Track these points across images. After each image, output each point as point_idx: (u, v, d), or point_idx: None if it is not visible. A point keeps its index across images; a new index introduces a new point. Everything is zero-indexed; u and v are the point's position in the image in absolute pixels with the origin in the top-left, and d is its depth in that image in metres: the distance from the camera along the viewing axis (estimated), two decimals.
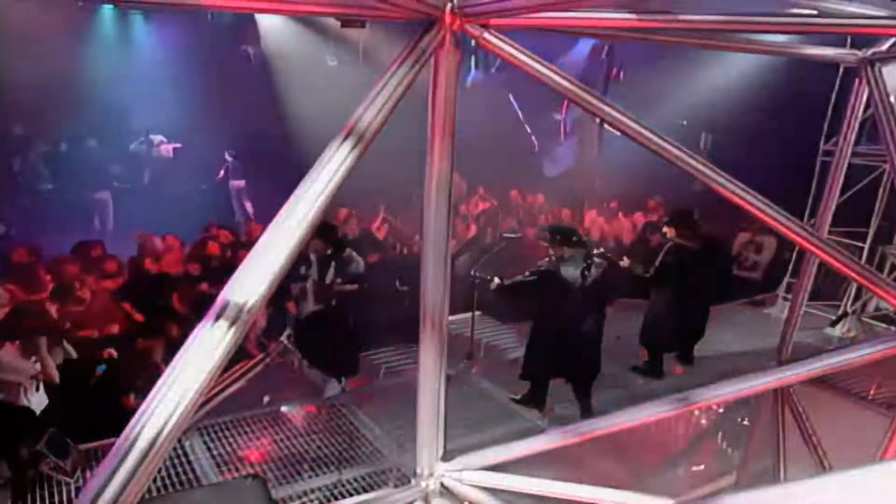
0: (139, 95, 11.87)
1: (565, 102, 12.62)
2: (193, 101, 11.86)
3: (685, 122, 12.62)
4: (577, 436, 2.66)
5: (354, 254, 7.34)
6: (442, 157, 2.22)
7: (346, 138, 1.78)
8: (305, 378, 7.71)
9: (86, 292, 6.97)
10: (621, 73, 12.83)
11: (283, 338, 8.35)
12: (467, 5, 1.91)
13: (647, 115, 11.43)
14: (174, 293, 7.64)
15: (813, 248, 2.33)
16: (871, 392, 4.44)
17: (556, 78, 2.08)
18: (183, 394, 1.23)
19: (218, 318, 1.33)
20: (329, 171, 1.65)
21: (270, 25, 12.18)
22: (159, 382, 1.26)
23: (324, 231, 6.87)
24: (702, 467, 4.59)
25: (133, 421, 1.23)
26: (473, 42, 2.13)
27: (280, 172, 11.39)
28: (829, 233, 9.09)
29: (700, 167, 2.10)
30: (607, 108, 2.17)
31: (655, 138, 2.17)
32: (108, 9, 11.36)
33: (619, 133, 2.29)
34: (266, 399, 7.03)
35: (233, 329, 1.33)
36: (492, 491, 2.60)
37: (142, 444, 1.19)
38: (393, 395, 7.08)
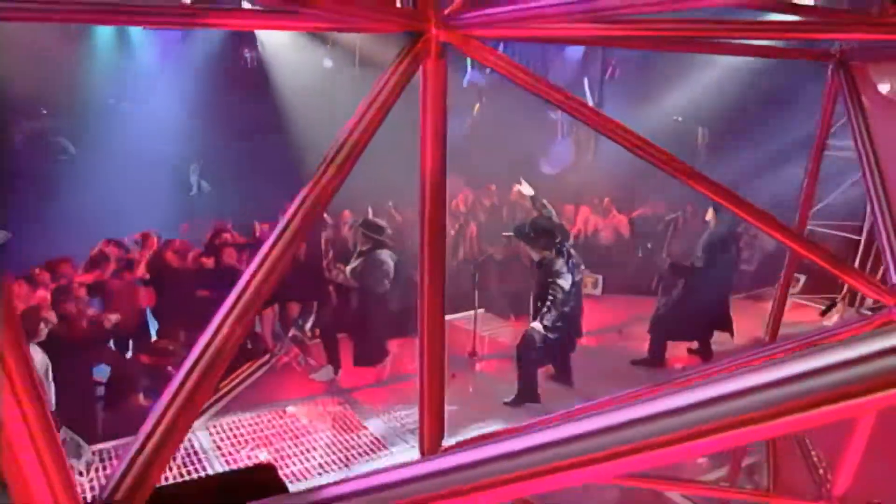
0: (136, 101, 12.00)
1: None
2: (191, 104, 12.00)
3: (680, 119, 12.68)
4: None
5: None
6: (434, 160, 2.32)
7: (343, 144, 1.89)
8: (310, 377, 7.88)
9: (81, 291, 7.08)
10: (616, 71, 12.92)
11: (288, 338, 8.54)
12: (451, 18, 2.02)
13: (642, 112, 11.60)
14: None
15: (789, 242, 2.43)
16: None
17: (538, 84, 2.18)
18: (200, 382, 1.34)
19: (230, 311, 1.45)
20: (329, 175, 1.76)
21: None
22: (178, 373, 1.38)
23: None
24: (696, 461, 4.70)
25: (152, 413, 1.35)
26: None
27: (279, 172, 11.58)
28: (826, 226, 9.24)
29: (679, 168, 2.21)
30: (590, 113, 2.27)
31: (637, 140, 2.27)
32: None
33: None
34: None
35: (243, 321, 1.44)
36: None
37: (161, 432, 1.31)
38: (396, 391, 7.24)
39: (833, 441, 2.72)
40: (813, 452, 3.25)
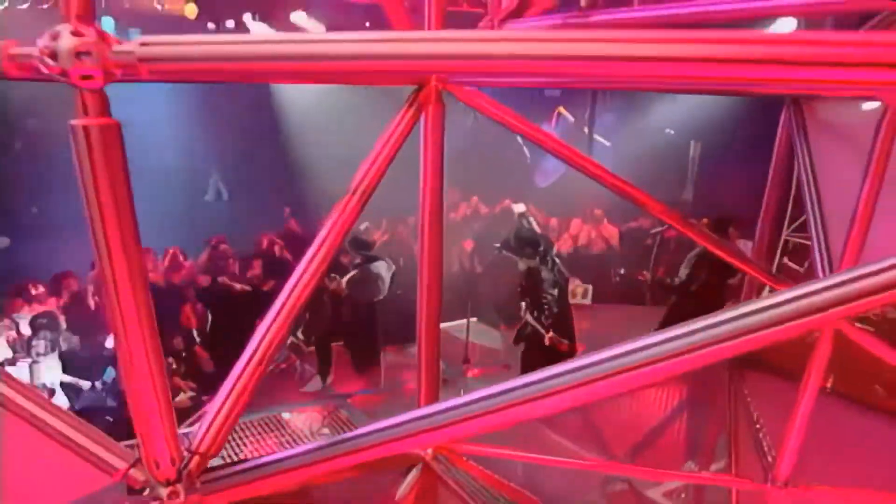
0: (138, 109, 12.36)
1: (555, 114, 13.20)
2: (191, 115, 12.44)
3: (672, 132, 13.15)
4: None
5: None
6: (433, 188, 2.81)
7: (365, 175, 2.39)
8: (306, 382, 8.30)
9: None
10: None
11: (285, 345, 8.93)
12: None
13: (634, 125, 11.96)
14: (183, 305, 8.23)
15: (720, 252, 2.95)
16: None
17: (525, 127, 2.67)
18: (256, 365, 1.82)
19: (279, 311, 1.93)
20: (351, 205, 2.25)
21: None
22: (241, 358, 1.86)
23: None
24: (664, 450, 5.15)
25: (221, 389, 1.83)
26: None
27: (276, 180, 12.02)
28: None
29: (638, 196, 2.70)
30: (569, 153, 2.76)
31: (615, 180, 2.78)
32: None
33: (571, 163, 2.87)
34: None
35: (289, 318, 1.93)
36: (481, 459, 3.20)
37: (228, 403, 1.79)
38: (390, 397, 7.66)
39: (782, 430, 3.22)
40: (764, 441, 3.73)
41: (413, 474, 3.25)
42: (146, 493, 1.61)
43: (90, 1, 1.15)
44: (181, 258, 9.08)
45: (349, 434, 1.58)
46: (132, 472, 1.62)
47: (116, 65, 1.16)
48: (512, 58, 1.11)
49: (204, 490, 1.68)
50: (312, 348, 8.67)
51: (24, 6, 9.16)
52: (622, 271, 10.35)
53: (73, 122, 1.21)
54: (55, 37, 1.15)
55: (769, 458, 3.45)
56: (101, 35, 1.15)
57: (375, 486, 3.52)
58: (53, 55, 1.14)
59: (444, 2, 2.47)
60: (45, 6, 9.20)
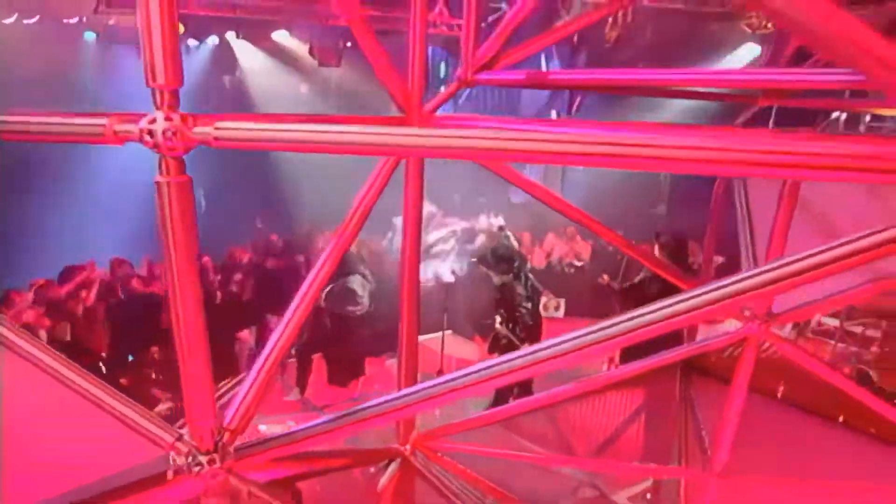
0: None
1: None
2: None
3: None
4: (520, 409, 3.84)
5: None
6: (413, 206, 3.32)
7: (364, 197, 2.90)
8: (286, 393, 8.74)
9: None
10: (582, 104, 14.12)
11: None
12: (431, 116, 3.04)
13: None
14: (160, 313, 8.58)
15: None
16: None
17: (502, 167, 3.24)
18: (276, 358, 2.34)
19: (294, 311, 2.45)
20: (355, 219, 2.77)
21: (248, 58, 13.23)
22: (262, 351, 2.38)
23: None
24: (623, 451, 5.69)
25: (248, 376, 2.34)
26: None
27: (254, 192, 12.44)
28: None
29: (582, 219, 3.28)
30: (532, 187, 3.32)
31: (582, 216, 3.36)
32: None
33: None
34: None
35: (299, 322, 2.44)
36: (457, 456, 3.71)
37: (255, 388, 2.30)
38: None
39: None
40: (706, 439, 4.30)
41: (393, 467, 3.74)
42: (188, 461, 2.13)
43: (177, 96, 1.69)
44: (155, 267, 9.42)
45: (346, 410, 2.13)
46: (176, 444, 2.13)
47: (195, 140, 1.69)
48: (462, 148, 1.66)
49: (235, 456, 2.20)
50: (292, 360, 9.10)
51: (32, 21, 9.46)
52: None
53: (158, 179, 1.75)
54: (152, 121, 1.68)
55: (709, 454, 4.01)
56: (184, 119, 1.69)
57: (359, 479, 4.00)
58: (150, 133, 1.67)
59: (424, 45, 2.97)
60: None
